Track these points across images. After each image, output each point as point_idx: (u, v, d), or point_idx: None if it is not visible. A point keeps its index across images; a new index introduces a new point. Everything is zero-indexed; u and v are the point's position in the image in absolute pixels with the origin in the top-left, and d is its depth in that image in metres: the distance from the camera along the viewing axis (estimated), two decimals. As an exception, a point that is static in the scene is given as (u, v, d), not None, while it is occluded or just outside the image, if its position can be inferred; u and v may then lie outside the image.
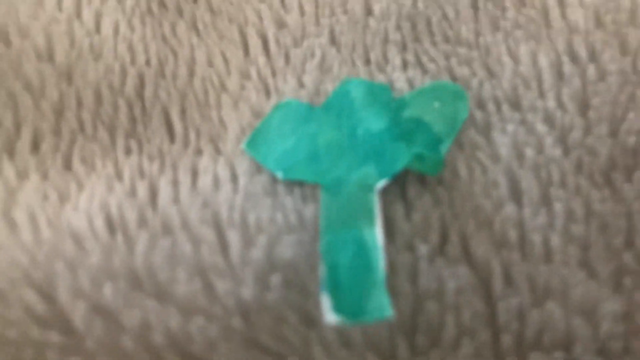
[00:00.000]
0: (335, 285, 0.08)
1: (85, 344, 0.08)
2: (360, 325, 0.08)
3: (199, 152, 0.09)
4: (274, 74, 0.10)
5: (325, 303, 0.07)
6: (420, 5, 0.11)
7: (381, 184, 0.09)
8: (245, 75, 0.10)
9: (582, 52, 0.10)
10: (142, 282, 0.08)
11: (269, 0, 0.11)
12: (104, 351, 0.08)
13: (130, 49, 0.10)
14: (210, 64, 0.10)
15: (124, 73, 0.10)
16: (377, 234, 0.08)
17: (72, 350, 0.08)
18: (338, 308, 0.07)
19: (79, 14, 0.10)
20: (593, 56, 0.10)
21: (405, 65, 0.10)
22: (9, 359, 0.08)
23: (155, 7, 0.11)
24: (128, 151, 0.09)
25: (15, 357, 0.08)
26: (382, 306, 0.07)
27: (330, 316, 0.07)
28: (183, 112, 0.10)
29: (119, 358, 0.08)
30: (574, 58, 0.10)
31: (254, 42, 0.11)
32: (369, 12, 0.11)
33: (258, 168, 0.09)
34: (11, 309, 0.08)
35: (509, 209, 0.09)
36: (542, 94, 0.10)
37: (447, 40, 0.10)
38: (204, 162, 0.09)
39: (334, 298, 0.07)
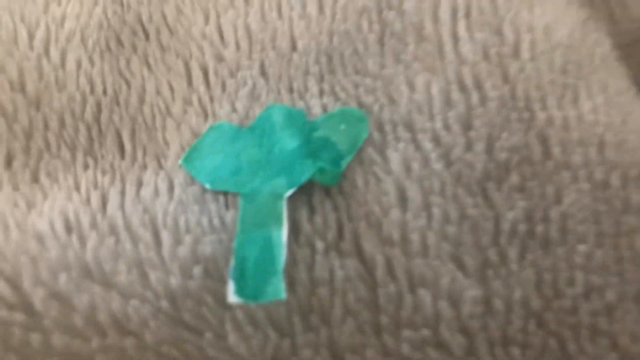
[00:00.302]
0: (241, 274, 0.10)
1: (44, 323, 0.10)
2: (259, 305, 0.10)
3: (144, 167, 0.11)
4: (212, 100, 0.12)
5: (230, 288, 0.09)
6: (336, 41, 0.13)
7: (289, 193, 0.11)
8: (187, 102, 0.12)
9: (469, 81, 0.12)
10: (91, 272, 0.10)
11: (210, 37, 0.13)
12: (59, 328, 0.10)
13: (90, 81, 0.12)
14: (158, 92, 0.12)
15: (84, 101, 0.12)
16: (283, 234, 0.10)
17: (33, 328, 0.10)
18: (240, 292, 0.09)
19: (47, 52, 0.12)
20: (477, 84, 0.12)
21: (321, 93, 0.12)
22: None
23: (113, 45, 0.13)
24: (86, 166, 0.11)
25: None
26: (278, 290, 0.09)
27: (232, 298, 0.09)
28: (133, 133, 0.12)
29: (71, 334, 0.10)
30: (461, 86, 0.12)
31: (196, 74, 0.13)
32: (293, 48, 0.13)
33: (192, 180, 0.11)
34: None
35: (395, 213, 0.11)
36: (431, 117, 0.12)
37: (356, 72, 0.12)
38: (148, 175, 0.11)
39: (237, 284, 0.09)
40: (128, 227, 0.11)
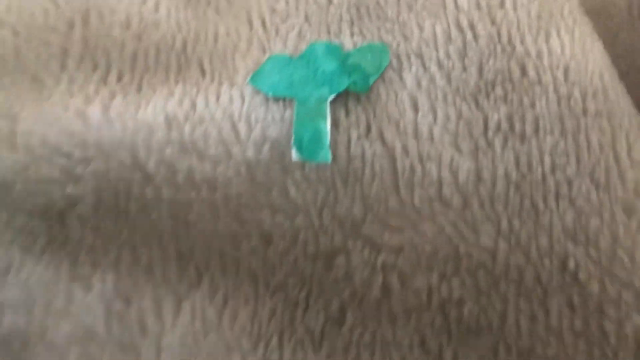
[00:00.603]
0: (299, 146, 0.13)
1: (155, 180, 0.14)
2: (312, 169, 0.13)
3: (220, 84, 0.15)
4: (268, 40, 0.16)
5: (293, 152, 0.13)
6: None
7: (331, 98, 0.14)
8: (250, 41, 0.16)
9: (464, 24, 0.16)
10: (188, 148, 0.14)
11: (266, -5, 0.17)
12: (166, 185, 0.14)
13: (177, 23, 0.16)
14: (227, 34, 0.16)
15: (173, 38, 0.16)
16: (327, 125, 0.14)
17: (147, 184, 0.14)
18: (300, 154, 0.13)
19: (145, 2, 0.16)
20: (471, 26, 0.16)
21: (352, 34, 0.16)
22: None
23: (193, 0, 0.17)
24: (176, 82, 0.15)
25: None
26: (326, 156, 0.13)
27: (295, 157, 0.13)
28: (210, 61, 0.16)
29: (175, 188, 0.14)
30: (459, 27, 0.16)
31: (256, 22, 0.17)
32: (330, 2, 0.17)
33: (257, 92, 0.15)
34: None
35: (409, 114, 0.14)
36: (436, 49, 0.15)
37: (379, 18, 0.16)
38: (224, 89, 0.15)
39: (298, 150, 0.13)
40: (212, 119, 0.14)
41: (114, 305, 0.13)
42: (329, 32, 0.16)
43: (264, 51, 0.16)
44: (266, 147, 0.14)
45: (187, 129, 0.14)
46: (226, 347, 0.13)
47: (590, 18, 0.18)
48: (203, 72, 0.16)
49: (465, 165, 0.14)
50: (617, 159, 0.14)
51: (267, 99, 0.15)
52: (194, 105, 0.15)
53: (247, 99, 0.15)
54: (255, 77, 0.15)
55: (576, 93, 0.15)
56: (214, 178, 0.14)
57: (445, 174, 0.14)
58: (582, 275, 0.13)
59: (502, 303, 0.13)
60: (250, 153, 0.14)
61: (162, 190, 0.14)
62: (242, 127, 0.14)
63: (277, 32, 0.16)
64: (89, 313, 0.13)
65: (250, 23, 0.17)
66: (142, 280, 0.13)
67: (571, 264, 0.13)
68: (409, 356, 0.13)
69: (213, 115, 0.15)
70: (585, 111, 0.15)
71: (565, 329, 0.13)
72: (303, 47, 0.16)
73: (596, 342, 0.13)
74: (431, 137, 0.14)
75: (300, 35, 0.16)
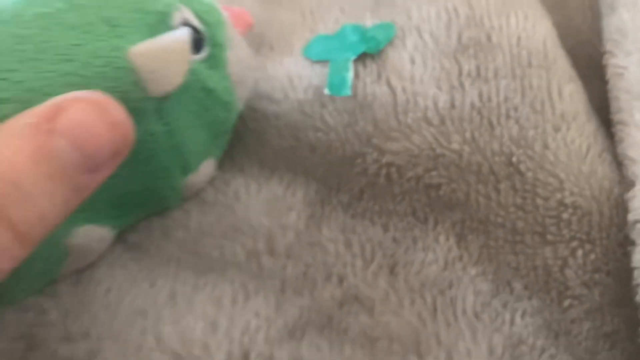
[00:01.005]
0: (330, 86, 0.21)
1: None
2: (340, 103, 0.21)
3: (284, 55, 0.23)
4: (315, 25, 0.24)
5: (326, 89, 0.21)
6: None
7: (353, 57, 0.22)
8: (303, 27, 0.24)
9: (450, 8, 0.23)
10: (262, 96, 0.22)
11: (314, -4, 0.25)
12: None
13: (255, 16, 0.24)
14: (289, 24, 0.24)
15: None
16: (350, 75, 0.21)
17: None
18: (330, 90, 0.21)
19: (232, 1, 0.25)
20: (455, 10, 0.23)
21: (372, 17, 0.24)
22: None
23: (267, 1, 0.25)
24: (254, 55, 0.23)
25: None
26: (348, 91, 0.21)
27: (326, 91, 0.21)
28: (277, 41, 0.24)
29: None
30: (446, 10, 0.23)
31: (307, 13, 0.24)
32: (357, -2, 0.24)
33: (306, 59, 0.23)
34: None
35: (407, 66, 0.22)
36: (429, 24, 0.23)
37: (390, 6, 0.24)
38: (286, 58, 0.23)
39: (329, 88, 0.21)
40: (277, 77, 0.22)
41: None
42: (356, 18, 0.24)
43: (311, 32, 0.24)
44: (310, 91, 0.22)
45: (261, 83, 0.22)
46: (288, 207, 0.20)
47: (551, 6, 0.25)
48: (272, 48, 0.24)
49: (443, 98, 0.21)
50: (549, 94, 0.21)
51: (312, 62, 0.23)
52: (266, 69, 0.23)
53: (299, 62, 0.23)
54: (306, 49, 0.23)
55: (524, 53, 0.22)
56: (279, 112, 0.22)
57: (429, 104, 0.21)
58: (522, 167, 0.20)
59: (466, 186, 0.20)
60: (300, 95, 0.22)
61: (247, 123, 0.22)
62: (295, 80, 0.22)
63: (321, 19, 0.24)
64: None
65: (303, 14, 0.25)
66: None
67: (514, 159, 0.20)
68: (404, 219, 0.20)
69: (278, 74, 0.23)
70: (529, 64, 0.21)
71: (509, 204, 0.20)
72: (337, 28, 0.24)
73: (530, 211, 0.20)
74: (422, 81, 0.21)
75: (336, 21, 0.24)
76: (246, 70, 0.20)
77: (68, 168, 0.13)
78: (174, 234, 0.20)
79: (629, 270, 0.18)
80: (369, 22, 0.23)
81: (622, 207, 0.19)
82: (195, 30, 0.17)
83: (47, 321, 0.18)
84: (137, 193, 0.17)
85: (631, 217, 0.18)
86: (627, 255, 0.18)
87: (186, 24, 0.17)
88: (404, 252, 0.19)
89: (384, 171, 0.21)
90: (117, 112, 0.14)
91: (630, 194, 0.19)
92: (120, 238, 0.20)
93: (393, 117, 0.21)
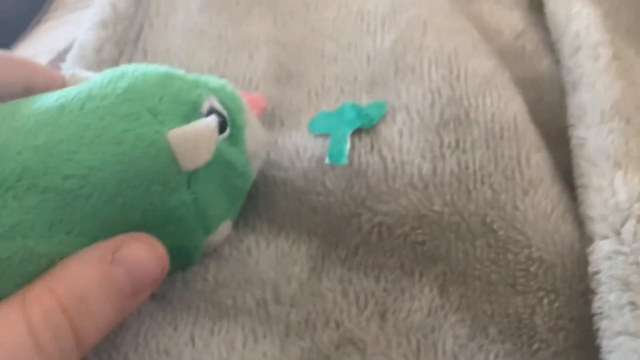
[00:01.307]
0: (330, 155, 0.25)
1: None
2: (336, 165, 0.25)
3: (292, 129, 0.27)
4: (319, 104, 0.28)
5: (326, 158, 0.24)
6: (373, 77, 0.28)
7: (351, 131, 0.26)
8: (309, 105, 0.28)
9: (434, 88, 0.27)
10: (272, 165, 0.26)
11: (317, 81, 0.29)
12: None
13: (269, 96, 0.29)
14: (297, 102, 0.28)
15: (266, 103, 0.28)
16: (347, 146, 0.25)
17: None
18: (330, 159, 0.24)
19: (250, 82, 0.29)
20: (438, 89, 0.27)
21: (367, 97, 0.28)
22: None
23: (282, 78, 0.29)
24: (268, 129, 0.27)
25: None
26: (344, 161, 0.24)
27: (327, 160, 0.24)
28: (287, 116, 0.28)
29: None
30: (431, 90, 0.27)
31: (313, 94, 0.29)
32: (355, 79, 0.28)
33: (310, 133, 0.27)
34: None
35: (397, 138, 0.25)
36: (416, 103, 0.27)
37: (383, 87, 0.28)
38: (294, 132, 0.27)
39: (329, 157, 0.24)
40: (285, 148, 0.26)
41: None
42: (354, 97, 0.28)
43: (316, 110, 0.28)
44: (314, 160, 0.25)
45: (272, 154, 0.26)
46: (293, 261, 0.23)
47: (525, 84, 0.29)
48: (282, 124, 0.28)
49: (426, 166, 0.24)
50: (519, 163, 0.24)
51: (315, 136, 0.27)
52: (276, 141, 0.27)
53: (305, 136, 0.27)
54: (310, 124, 0.27)
55: (497, 127, 0.25)
56: (286, 178, 0.25)
57: (415, 171, 0.24)
58: (495, 226, 0.23)
59: (447, 243, 0.23)
60: (305, 164, 0.25)
61: (259, 188, 0.25)
62: (301, 151, 0.26)
63: (324, 99, 0.28)
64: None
65: (309, 95, 0.29)
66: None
67: (488, 220, 0.23)
68: (394, 272, 0.23)
69: (286, 146, 0.26)
70: (502, 137, 0.25)
71: (485, 259, 0.23)
72: (338, 106, 0.28)
73: (503, 265, 0.23)
74: (408, 151, 0.25)
75: (337, 100, 0.28)
76: (260, 146, 0.24)
77: (121, 292, 0.17)
78: (194, 285, 0.23)
79: (589, 317, 0.21)
80: (364, 101, 0.27)
81: (582, 260, 0.22)
82: (220, 115, 0.21)
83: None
84: (167, 251, 0.21)
85: (591, 269, 0.21)
86: (587, 304, 0.21)
87: (213, 110, 0.21)
88: (394, 300, 0.22)
89: (376, 229, 0.24)
90: (161, 248, 0.18)
91: (589, 249, 0.22)
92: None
93: (384, 183, 0.24)
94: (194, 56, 0.30)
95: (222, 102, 0.22)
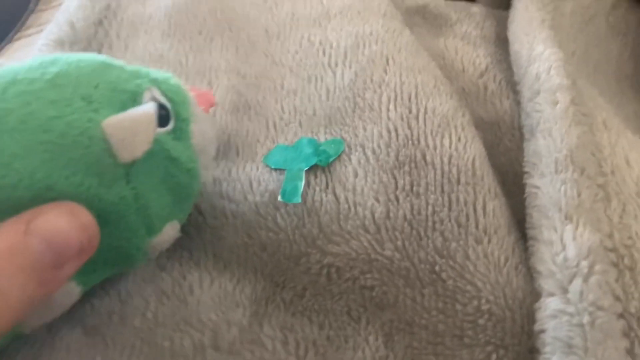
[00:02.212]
0: (283, 193, 0.24)
1: None
2: (289, 203, 0.24)
3: (247, 161, 0.26)
4: (276, 136, 0.27)
5: (280, 195, 0.24)
6: (331, 113, 0.28)
7: (306, 168, 0.25)
8: (266, 137, 0.27)
9: (391, 129, 0.26)
10: (223, 197, 0.25)
11: (277, 112, 0.28)
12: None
13: (226, 124, 0.28)
14: (254, 133, 0.28)
15: (223, 132, 0.27)
16: (302, 184, 0.24)
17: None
18: (283, 198, 0.24)
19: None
20: (395, 129, 0.26)
21: (325, 133, 0.27)
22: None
23: (240, 108, 0.29)
24: (222, 159, 0.27)
25: None
26: (298, 199, 0.24)
27: (280, 198, 0.23)
28: (243, 149, 0.27)
29: None
30: (387, 131, 0.26)
31: (270, 125, 0.28)
32: (314, 114, 0.28)
33: (266, 166, 0.26)
34: None
35: (351, 178, 0.25)
36: (372, 142, 0.26)
37: (341, 125, 0.27)
38: (249, 164, 0.26)
39: (282, 195, 0.24)
40: (239, 179, 0.25)
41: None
42: (312, 132, 0.27)
43: (273, 142, 0.27)
44: (267, 195, 0.25)
45: (224, 185, 0.25)
46: (235, 303, 0.23)
47: (485, 126, 0.29)
48: (237, 153, 0.27)
49: (379, 209, 0.24)
50: (475, 209, 0.24)
51: (271, 169, 0.26)
52: (230, 172, 0.26)
53: (260, 169, 0.26)
54: (266, 157, 0.26)
55: (454, 171, 0.25)
56: (236, 212, 0.24)
57: (367, 213, 0.24)
58: (444, 275, 0.22)
59: (396, 289, 0.23)
60: (257, 198, 0.25)
61: (207, 220, 0.24)
62: (254, 184, 0.25)
63: (282, 131, 0.28)
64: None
65: (267, 126, 0.28)
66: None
67: (437, 268, 0.23)
68: (340, 318, 0.23)
69: (240, 177, 0.26)
70: (458, 181, 0.25)
71: (432, 307, 0.22)
72: (295, 140, 0.27)
73: (451, 316, 0.22)
74: (362, 192, 0.24)
75: (295, 134, 0.27)
76: (208, 141, 0.23)
77: (38, 263, 0.16)
78: (132, 321, 0.22)
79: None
80: (322, 136, 0.27)
81: (532, 316, 0.22)
82: (162, 106, 0.20)
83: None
84: (104, 251, 0.18)
85: (536, 327, 0.21)
86: (535, 362, 0.20)
87: (155, 100, 0.20)
88: (335, 350, 0.22)
89: (325, 271, 0.23)
90: (85, 216, 0.17)
91: (536, 305, 0.21)
92: (79, 321, 0.22)
93: (336, 223, 0.24)
94: (152, 78, 0.29)
95: (164, 94, 0.21)
